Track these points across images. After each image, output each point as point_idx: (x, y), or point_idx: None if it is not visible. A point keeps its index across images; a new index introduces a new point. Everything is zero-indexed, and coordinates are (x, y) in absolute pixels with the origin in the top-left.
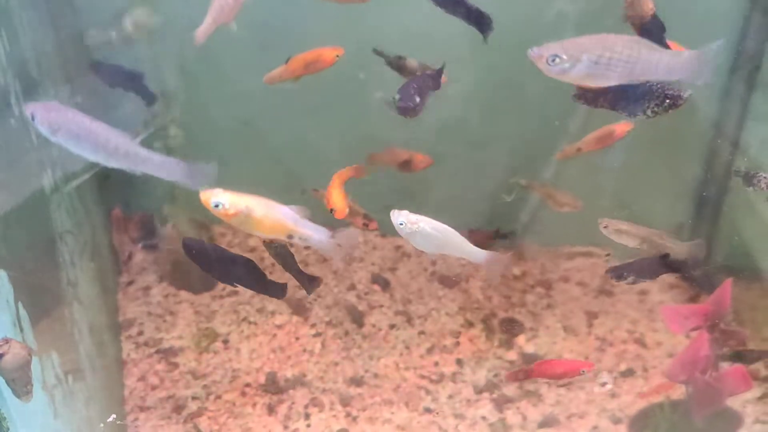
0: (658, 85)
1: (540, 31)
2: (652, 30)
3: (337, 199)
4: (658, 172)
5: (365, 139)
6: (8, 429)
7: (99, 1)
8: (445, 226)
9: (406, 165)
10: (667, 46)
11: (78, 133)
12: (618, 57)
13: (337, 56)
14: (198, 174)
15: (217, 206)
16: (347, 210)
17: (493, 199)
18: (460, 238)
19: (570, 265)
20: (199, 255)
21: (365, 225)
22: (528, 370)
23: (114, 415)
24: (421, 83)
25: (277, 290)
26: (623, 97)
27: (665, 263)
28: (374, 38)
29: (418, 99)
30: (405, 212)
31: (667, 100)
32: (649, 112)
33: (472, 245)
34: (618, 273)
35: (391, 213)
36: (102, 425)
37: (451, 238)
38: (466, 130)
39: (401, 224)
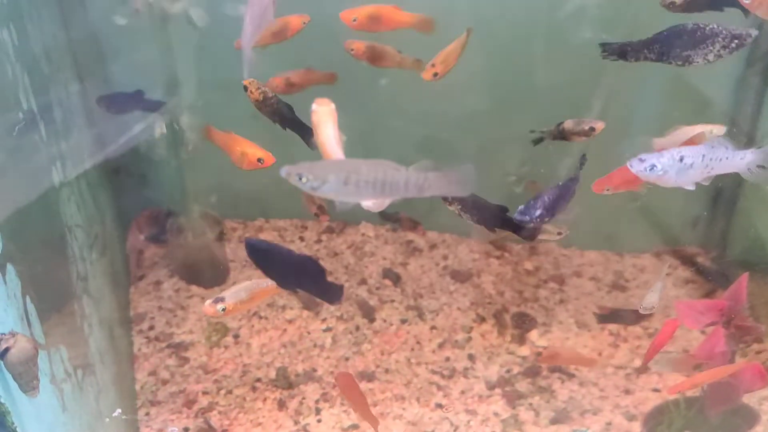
0: (721, 28)
1: (552, 23)
2: None
3: (248, 145)
4: None
5: (375, 133)
6: (13, 423)
7: None
8: None
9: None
10: None
11: None
12: (365, 178)
13: (304, 23)
14: None
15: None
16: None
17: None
18: None
19: (583, 260)
20: (262, 257)
21: (316, 215)
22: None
23: (119, 410)
24: (557, 195)
25: (334, 294)
26: (677, 45)
27: (490, 214)
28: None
29: (540, 215)
30: None
31: (735, 41)
32: (711, 57)
33: None
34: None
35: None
36: (107, 420)
37: None
38: (477, 122)
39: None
